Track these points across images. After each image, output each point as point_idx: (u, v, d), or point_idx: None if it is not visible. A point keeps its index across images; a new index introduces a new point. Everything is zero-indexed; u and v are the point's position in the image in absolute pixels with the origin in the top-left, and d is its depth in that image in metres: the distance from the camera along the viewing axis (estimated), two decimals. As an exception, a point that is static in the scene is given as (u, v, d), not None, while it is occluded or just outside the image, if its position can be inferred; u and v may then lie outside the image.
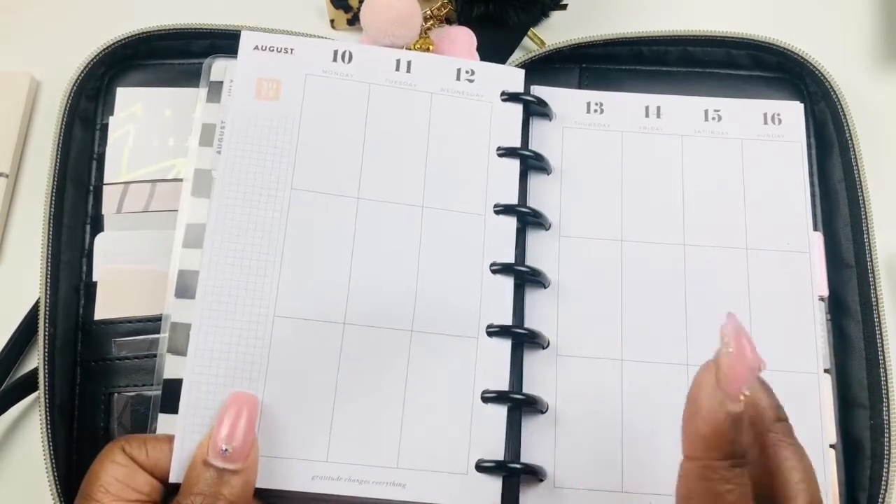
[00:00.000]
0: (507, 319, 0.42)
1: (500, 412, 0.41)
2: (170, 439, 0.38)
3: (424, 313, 0.41)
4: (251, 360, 0.40)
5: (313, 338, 0.40)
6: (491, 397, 0.41)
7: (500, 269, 0.43)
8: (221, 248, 0.41)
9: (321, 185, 0.43)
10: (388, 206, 0.43)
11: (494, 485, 0.40)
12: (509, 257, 0.43)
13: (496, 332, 0.42)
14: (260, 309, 0.40)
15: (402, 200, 0.43)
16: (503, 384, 0.41)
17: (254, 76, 0.44)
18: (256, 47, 0.44)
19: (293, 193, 0.42)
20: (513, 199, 0.44)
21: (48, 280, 0.44)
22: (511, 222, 0.44)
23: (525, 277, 0.44)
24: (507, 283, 0.43)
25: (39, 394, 0.42)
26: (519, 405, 0.42)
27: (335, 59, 0.45)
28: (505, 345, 0.42)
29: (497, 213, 0.44)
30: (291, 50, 0.44)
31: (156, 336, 0.44)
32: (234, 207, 0.41)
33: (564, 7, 0.53)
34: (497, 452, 0.41)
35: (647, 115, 0.48)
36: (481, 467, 0.40)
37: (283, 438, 0.39)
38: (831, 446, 0.43)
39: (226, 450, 0.36)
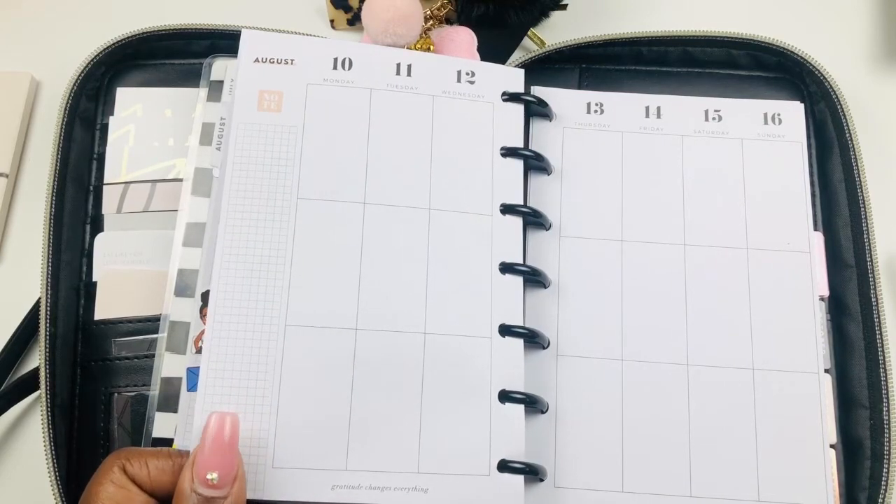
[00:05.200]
0: (518, 319, 0.42)
1: (519, 412, 0.41)
2: (171, 456, 0.36)
3: (437, 315, 0.41)
4: (264, 371, 0.39)
5: (326, 345, 0.40)
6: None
7: (505, 268, 0.43)
8: (230, 260, 0.41)
9: (327, 192, 0.42)
10: (395, 209, 0.43)
11: (516, 485, 0.40)
12: (517, 257, 0.43)
13: (501, 331, 0.42)
14: (271, 319, 0.40)
15: (409, 203, 0.43)
16: (519, 383, 0.41)
17: (255, 88, 0.44)
18: (257, 59, 0.44)
19: (299, 202, 0.42)
20: (518, 199, 0.44)
21: (48, 280, 0.44)
22: (517, 222, 0.44)
23: (526, 277, 0.43)
24: (517, 282, 0.43)
25: (41, 393, 0.42)
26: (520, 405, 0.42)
27: (335, 67, 0.45)
28: (517, 344, 0.42)
29: (503, 212, 0.44)
30: (292, 61, 0.44)
31: (155, 336, 0.43)
32: (241, 220, 0.41)
33: (564, 7, 0.53)
34: (518, 452, 0.40)
35: (647, 116, 0.48)
36: (504, 468, 0.40)
37: (300, 448, 0.39)
38: (831, 446, 0.43)
39: (211, 479, 0.35)
